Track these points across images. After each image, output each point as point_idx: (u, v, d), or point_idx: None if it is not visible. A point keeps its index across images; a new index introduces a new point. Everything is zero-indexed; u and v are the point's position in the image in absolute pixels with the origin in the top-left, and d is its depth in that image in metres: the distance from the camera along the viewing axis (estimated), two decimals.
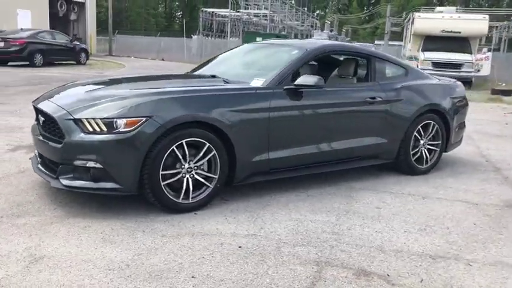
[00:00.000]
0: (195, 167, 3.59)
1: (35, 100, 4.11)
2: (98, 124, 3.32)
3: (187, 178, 3.57)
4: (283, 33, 33.50)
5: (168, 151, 3.42)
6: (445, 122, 5.10)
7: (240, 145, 3.73)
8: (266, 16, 39.44)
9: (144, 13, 66.23)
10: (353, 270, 2.82)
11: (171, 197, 3.50)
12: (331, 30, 47.25)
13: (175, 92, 3.68)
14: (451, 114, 5.12)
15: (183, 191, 3.55)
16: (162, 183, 3.44)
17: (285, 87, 4.02)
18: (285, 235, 3.29)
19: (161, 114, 3.38)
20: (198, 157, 3.58)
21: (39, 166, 3.82)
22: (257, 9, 45.01)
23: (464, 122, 5.56)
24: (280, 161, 4.04)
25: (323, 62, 5.01)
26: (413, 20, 19.20)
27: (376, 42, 44.83)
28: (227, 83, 4.12)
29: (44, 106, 3.75)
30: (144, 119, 3.33)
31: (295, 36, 41.77)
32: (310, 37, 38.65)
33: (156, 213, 3.53)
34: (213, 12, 51.82)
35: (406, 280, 2.73)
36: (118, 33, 34.63)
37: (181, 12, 74.17)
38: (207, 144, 3.57)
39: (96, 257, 2.83)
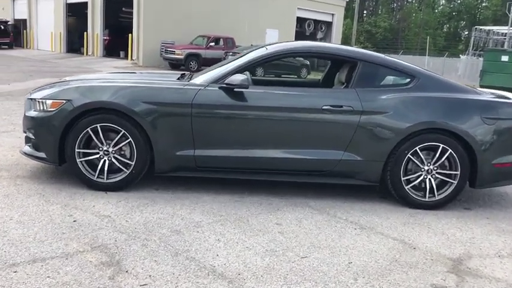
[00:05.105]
0: (113, 151, 3.95)
1: None
2: (40, 103, 4.03)
3: (105, 160, 3.96)
4: None
5: (83, 132, 3.88)
6: (468, 149, 3.98)
7: (157, 136, 3.89)
8: None
9: (422, 33, 64.70)
10: (100, 251, 2.77)
11: (85, 173, 3.95)
12: None
13: (102, 82, 4.09)
14: (479, 139, 3.95)
15: (98, 170, 3.95)
16: (77, 160, 3.92)
17: (219, 85, 3.96)
18: (131, 224, 3.34)
19: (78, 98, 3.87)
20: (114, 142, 3.92)
21: None
22: None
23: None
24: (208, 159, 3.98)
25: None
26: None
27: None
28: (179, 79, 4.30)
29: None
30: (64, 101, 3.89)
31: None
32: None
33: (80, 187, 4.01)
34: (489, 30, 47.36)
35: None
36: None
37: (467, 32, 69.84)
38: (122, 131, 3.88)
39: None
